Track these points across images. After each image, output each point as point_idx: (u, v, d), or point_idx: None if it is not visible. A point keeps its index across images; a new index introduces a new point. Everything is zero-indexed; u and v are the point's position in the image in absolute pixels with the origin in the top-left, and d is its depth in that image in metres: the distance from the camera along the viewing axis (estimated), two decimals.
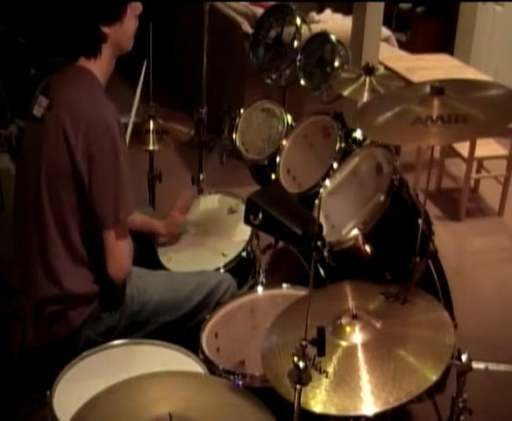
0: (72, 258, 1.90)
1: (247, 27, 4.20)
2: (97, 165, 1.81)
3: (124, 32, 1.91)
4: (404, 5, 6.53)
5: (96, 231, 1.89)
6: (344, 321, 1.61)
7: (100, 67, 1.91)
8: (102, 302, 1.97)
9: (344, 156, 2.30)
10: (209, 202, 2.66)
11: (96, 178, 1.82)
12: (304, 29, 2.85)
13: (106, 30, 1.87)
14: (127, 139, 2.38)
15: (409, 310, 1.71)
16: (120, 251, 1.90)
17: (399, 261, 1.96)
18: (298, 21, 2.83)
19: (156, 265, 2.31)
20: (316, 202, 2.15)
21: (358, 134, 2.38)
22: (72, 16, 1.88)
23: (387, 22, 4.70)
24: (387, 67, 4.09)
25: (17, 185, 2.01)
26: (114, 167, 1.82)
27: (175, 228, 2.42)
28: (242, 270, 2.34)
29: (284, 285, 2.10)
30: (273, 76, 2.93)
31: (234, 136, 2.79)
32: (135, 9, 1.92)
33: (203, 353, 1.81)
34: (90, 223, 1.88)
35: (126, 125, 2.72)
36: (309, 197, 2.24)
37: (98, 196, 1.84)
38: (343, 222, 2.08)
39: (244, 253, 2.35)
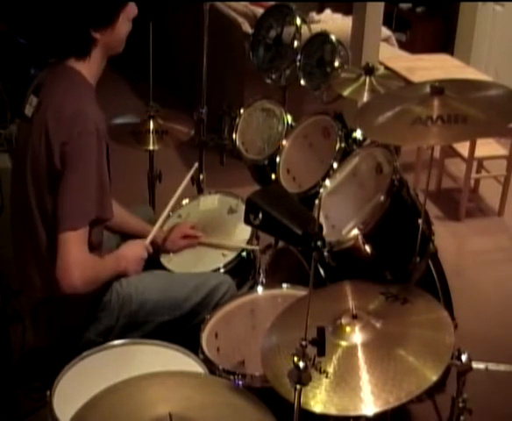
0: None
1: (247, 27, 4.20)
2: (66, 165, 1.80)
3: (115, 36, 1.90)
4: (404, 5, 6.53)
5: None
6: (344, 321, 1.61)
7: (90, 68, 1.90)
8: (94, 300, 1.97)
9: (344, 156, 2.29)
10: (209, 202, 2.65)
11: (63, 178, 1.80)
12: (304, 29, 2.85)
13: (97, 35, 1.87)
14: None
15: (409, 310, 1.71)
16: (68, 259, 1.79)
17: (399, 261, 1.95)
18: (298, 21, 2.83)
19: (156, 265, 2.30)
20: (316, 202, 2.15)
21: (358, 134, 2.37)
22: (63, 18, 1.87)
23: (387, 22, 4.70)
24: (387, 67, 4.09)
25: (13, 185, 2.01)
26: (80, 172, 1.80)
27: (172, 249, 2.38)
28: (242, 270, 2.34)
29: (284, 285, 2.10)
30: (273, 76, 2.92)
31: (234, 136, 2.79)
32: (129, 13, 1.91)
33: (203, 353, 1.81)
34: None
35: (123, 126, 2.73)
36: (309, 197, 2.24)
37: (59, 195, 1.81)
38: (343, 222, 2.07)
39: (244, 253, 2.35)
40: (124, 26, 1.91)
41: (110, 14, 1.87)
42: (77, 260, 1.80)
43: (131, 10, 1.91)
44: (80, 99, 1.86)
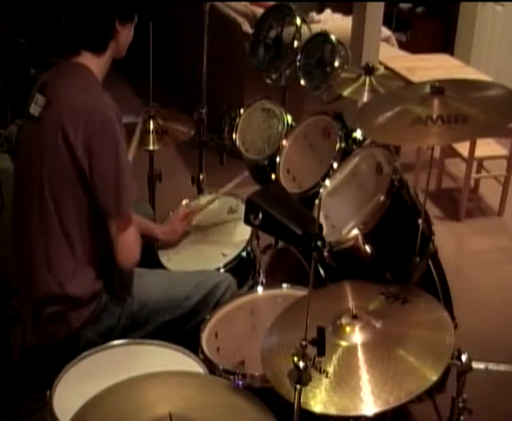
0: (74, 257, 1.90)
1: (247, 27, 4.20)
2: (97, 157, 1.82)
3: (128, 36, 1.97)
4: (404, 5, 6.53)
5: (99, 228, 1.89)
6: (344, 321, 1.61)
7: (98, 65, 1.92)
8: (110, 292, 1.98)
9: (344, 156, 2.29)
10: None
11: (97, 170, 1.83)
12: (304, 29, 2.85)
13: (119, 28, 1.91)
14: None
15: (409, 310, 1.71)
16: (127, 240, 1.91)
17: (399, 261, 1.95)
18: (298, 21, 2.83)
19: (156, 265, 2.31)
20: (316, 202, 2.15)
21: (358, 134, 2.37)
22: (92, 8, 1.90)
23: (387, 22, 4.70)
24: (387, 67, 4.09)
25: (17, 184, 2.01)
26: (114, 157, 1.83)
27: (174, 238, 2.41)
28: (242, 270, 2.34)
29: (284, 285, 2.10)
30: (273, 76, 2.92)
31: (234, 136, 2.79)
32: (135, 19, 1.99)
33: (203, 353, 1.81)
34: (95, 220, 1.88)
35: (127, 125, 2.73)
36: (309, 197, 2.24)
37: (99, 187, 1.84)
38: (343, 222, 2.07)
39: (244, 253, 2.35)
40: (131, 32, 1.98)
41: (133, 10, 1.96)
42: (135, 239, 1.95)
43: (135, 18, 1.99)
44: (93, 91, 1.88)
